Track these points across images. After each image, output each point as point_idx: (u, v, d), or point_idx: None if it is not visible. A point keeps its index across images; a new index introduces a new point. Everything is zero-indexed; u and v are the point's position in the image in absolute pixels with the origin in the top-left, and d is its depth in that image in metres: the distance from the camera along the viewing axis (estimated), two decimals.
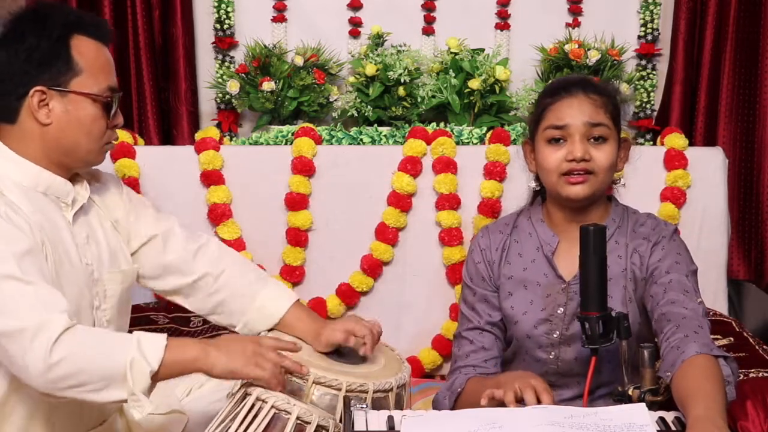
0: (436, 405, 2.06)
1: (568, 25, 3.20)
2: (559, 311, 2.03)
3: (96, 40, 1.89)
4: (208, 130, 3.00)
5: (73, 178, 1.93)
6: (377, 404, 1.79)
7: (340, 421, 1.71)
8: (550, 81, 2.99)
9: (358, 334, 1.93)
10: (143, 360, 1.68)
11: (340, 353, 1.96)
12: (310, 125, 2.93)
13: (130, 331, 1.83)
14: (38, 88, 1.82)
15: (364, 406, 1.68)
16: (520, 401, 1.75)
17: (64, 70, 1.83)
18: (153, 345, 1.70)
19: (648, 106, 3.19)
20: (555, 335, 2.03)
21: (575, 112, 1.97)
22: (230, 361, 1.72)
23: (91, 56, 1.86)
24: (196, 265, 2.06)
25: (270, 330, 2.03)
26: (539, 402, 1.73)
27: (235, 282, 2.06)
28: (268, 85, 2.96)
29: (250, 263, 2.20)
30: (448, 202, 2.84)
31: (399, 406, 1.85)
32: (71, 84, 1.84)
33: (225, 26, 3.15)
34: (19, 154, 1.85)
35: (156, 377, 1.69)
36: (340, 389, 1.78)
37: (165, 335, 1.73)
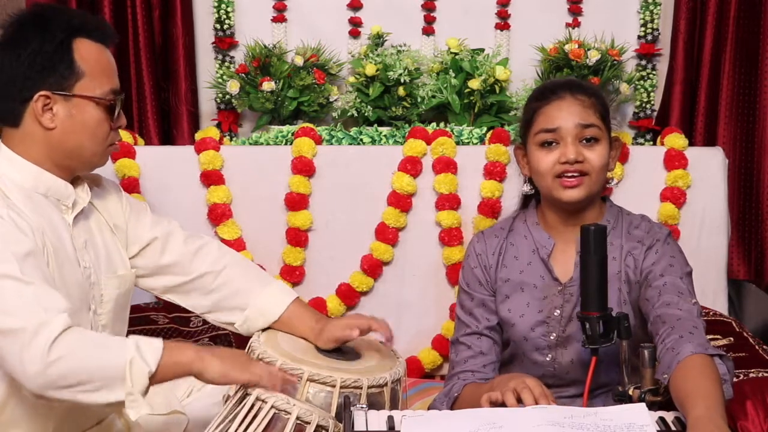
0: None
1: (568, 25, 3.20)
2: (555, 313, 2.03)
3: (98, 43, 1.89)
4: (208, 130, 3.01)
5: (75, 181, 1.93)
6: (372, 400, 1.80)
7: (338, 419, 1.71)
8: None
9: (362, 327, 1.94)
10: (142, 360, 1.68)
11: (339, 352, 1.96)
12: (310, 125, 2.93)
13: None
14: (42, 92, 1.82)
15: (364, 405, 1.68)
16: (519, 401, 1.75)
17: (67, 75, 1.83)
18: (151, 347, 1.71)
19: (648, 106, 3.19)
20: (552, 337, 2.03)
21: (565, 115, 1.98)
22: (224, 365, 1.73)
23: (93, 59, 1.87)
24: (195, 264, 2.07)
25: (269, 328, 2.03)
26: (537, 402, 1.73)
27: (236, 279, 2.07)
28: (268, 85, 2.96)
29: (251, 263, 2.21)
30: (448, 202, 2.84)
31: (394, 401, 1.86)
32: (75, 88, 1.84)
33: (225, 26, 3.15)
34: (22, 156, 1.86)
35: (153, 379, 1.70)
36: (334, 386, 1.79)
37: (161, 339, 1.74)
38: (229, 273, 2.07)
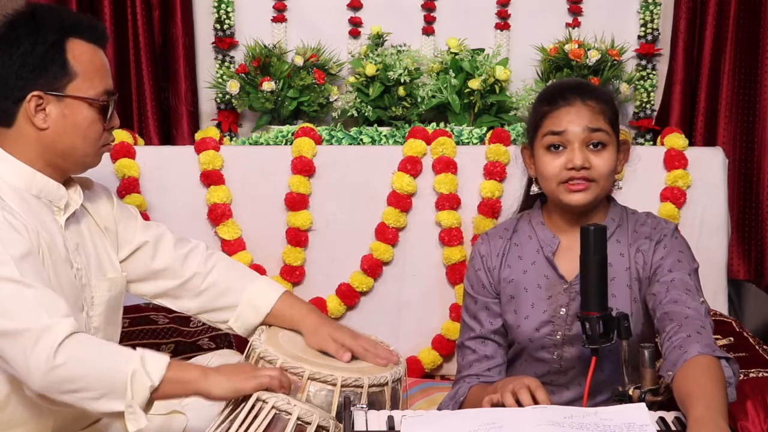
0: None
1: (568, 25, 3.20)
2: (561, 312, 2.03)
3: (91, 44, 1.88)
4: (208, 130, 3.01)
5: (67, 183, 1.93)
6: (373, 399, 1.80)
7: (338, 419, 1.71)
8: (548, 82, 3.00)
9: (355, 352, 1.93)
10: (145, 374, 1.68)
11: None
12: (310, 125, 2.93)
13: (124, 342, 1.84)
14: (35, 93, 1.82)
15: (364, 405, 1.68)
16: (518, 403, 1.76)
17: (60, 75, 1.83)
18: (156, 361, 1.71)
19: (648, 106, 3.19)
20: (558, 336, 2.03)
21: (574, 118, 1.97)
22: (230, 380, 1.72)
23: (86, 60, 1.86)
24: (185, 267, 2.08)
25: (270, 326, 2.04)
26: (535, 400, 1.74)
27: (224, 279, 2.08)
28: (268, 85, 2.96)
29: (237, 262, 2.22)
30: (448, 202, 2.84)
31: (395, 400, 1.86)
32: (67, 88, 1.84)
33: (225, 26, 3.15)
34: (14, 156, 1.85)
35: (155, 393, 1.69)
36: (335, 384, 1.79)
37: (169, 355, 1.73)
38: (217, 273, 2.08)
